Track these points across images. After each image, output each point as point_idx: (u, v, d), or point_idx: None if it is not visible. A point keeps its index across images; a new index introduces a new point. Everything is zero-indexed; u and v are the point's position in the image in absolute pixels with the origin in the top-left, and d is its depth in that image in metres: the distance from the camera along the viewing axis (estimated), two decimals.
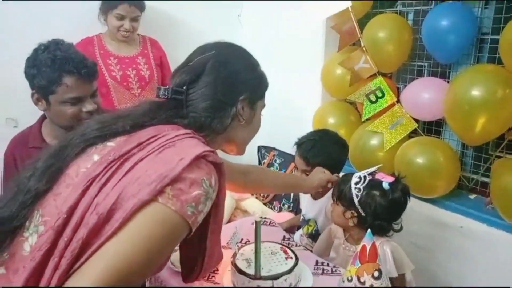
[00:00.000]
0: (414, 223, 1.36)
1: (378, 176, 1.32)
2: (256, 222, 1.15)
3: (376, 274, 1.05)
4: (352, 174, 1.37)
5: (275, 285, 1.13)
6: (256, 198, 2.51)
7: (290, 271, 1.16)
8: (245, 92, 0.92)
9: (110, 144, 0.82)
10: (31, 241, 0.74)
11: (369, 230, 1.09)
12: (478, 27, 1.73)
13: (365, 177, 1.31)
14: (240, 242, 1.37)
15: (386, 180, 1.29)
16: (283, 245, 1.31)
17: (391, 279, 1.19)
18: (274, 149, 2.56)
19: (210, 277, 1.24)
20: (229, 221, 2.20)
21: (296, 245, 1.46)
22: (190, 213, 0.73)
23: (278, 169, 2.47)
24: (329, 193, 1.58)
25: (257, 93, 0.97)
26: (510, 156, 1.69)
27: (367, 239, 1.06)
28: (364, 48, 1.97)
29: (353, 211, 1.32)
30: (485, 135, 1.61)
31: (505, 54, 1.53)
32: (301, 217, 1.75)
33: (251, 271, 1.15)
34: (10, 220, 0.76)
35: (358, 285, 1.06)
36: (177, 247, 0.87)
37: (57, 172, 0.80)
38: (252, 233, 1.17)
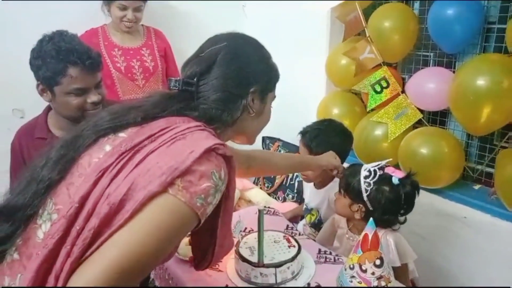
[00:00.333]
0: (417, 213, 1.36)
1: (388, 170, 1.30)
2: (259, 210, 1.16)
3: (378, 262, 1.05)
4: (359, 165, 1.36)
5: (277, 273, 1.14)
6: (260, 188, 2.53)
7: (292, 259, 1.18)
8: (256, 84, 0.92)
9: (122, 135, 0.83)
10: (44, 228, 0.76)
11: (371, 218, 1.09)
12: (485, 16, 1.71)
13: (375, 171, 1.28)
14: (244, 230, 1.38)
15: (396, 175, 1.27)
16: (286, 234, 1.32)
17: (394, 269, 1.19)
18: (279, 139, 2.56)
19: (214, 265, 1.26)
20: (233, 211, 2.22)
21: (299, 234, 1.47)
22: (199, 204, 0.74)
23: None
24: (332, 183, 1.59)
25: (268, 85, 0.97)
26: None
27: (369, 228, 1.07)
28: (369, 38, 1.96)
29: (360, 205, 1.31)
30: (490, 126, 1.60)
31: None
32: (304, 206, 1.76)
33: (254, 259, 1.17)
34: (24, 209, 0.78)
35: (361, 273, 1.07)
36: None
37: (69, 162, 0.81)
38: (255, 222, 1.18)
